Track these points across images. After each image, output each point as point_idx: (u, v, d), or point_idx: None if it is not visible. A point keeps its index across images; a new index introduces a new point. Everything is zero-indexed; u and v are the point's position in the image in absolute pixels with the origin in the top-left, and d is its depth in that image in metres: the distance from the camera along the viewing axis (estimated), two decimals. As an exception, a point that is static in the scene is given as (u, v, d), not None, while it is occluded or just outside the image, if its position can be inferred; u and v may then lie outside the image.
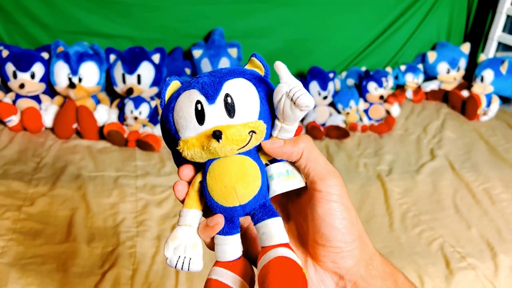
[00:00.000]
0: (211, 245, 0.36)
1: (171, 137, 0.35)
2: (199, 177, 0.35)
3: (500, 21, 1.88)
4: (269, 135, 0.35)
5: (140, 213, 1.14)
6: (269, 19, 1.73)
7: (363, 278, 0.34)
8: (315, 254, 0.35)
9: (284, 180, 0.35)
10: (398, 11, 1.88)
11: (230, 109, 0.33)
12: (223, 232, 0.35)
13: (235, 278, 0.34)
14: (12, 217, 1.06)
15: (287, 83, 0.33)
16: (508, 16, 1.87)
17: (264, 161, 0.36)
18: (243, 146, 0.33)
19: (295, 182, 0.35)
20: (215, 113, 0.33)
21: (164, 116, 0.35)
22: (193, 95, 0.33)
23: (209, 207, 0.35)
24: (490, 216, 1.19)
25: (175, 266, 0.34)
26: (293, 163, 0.35)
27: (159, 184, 1.25)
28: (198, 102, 0.33)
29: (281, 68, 0.34)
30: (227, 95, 0.33)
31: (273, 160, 0.36)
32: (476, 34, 2.03)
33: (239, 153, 0.34)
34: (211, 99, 0.33)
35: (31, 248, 0.98)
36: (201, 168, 0.35)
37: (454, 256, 1.04)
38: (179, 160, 0.36)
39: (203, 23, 1.68)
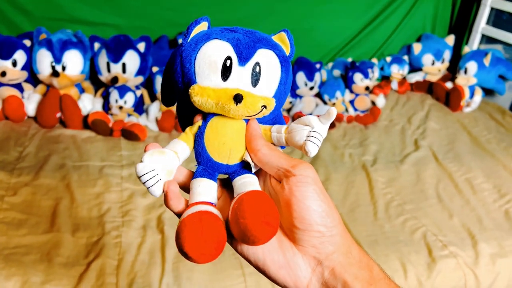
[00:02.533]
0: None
1: (185, 76, 0.35)
2: (199, 123, 0.36)
3: (484, 14, 1.90)
4: (273, 114, 0.37)
5: (126, 203, 1.13)
6: (256, 8, 1.72)
7: (342, 265, 0.34)
8: (295, 239, 0.34)
9: None
10: (384, 2, 1.88)
11: (255, 78, 0.34)
12: (200, 175, 0.35)
13: (216, 210, 0.34)
14: (-6, 207, 1.05)
15: (318, 124, 0.35)
16: (492, 9, 1.89)
17: None
18: (251, 116, 0.35)
19: None
20: (241, 76, 0.34)
21: (185, 54, 0.34)
22: (226, 48, 0.34)
23: (196, 153, 0.36)
24: (472, 206, 1.22)
25: (142, 176, 0.33)
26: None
27: (144, 174, 1.24)
28: (229, 58, 0.33)
29: (332, 115, 0.35)
30: (257, 63, 0.34)
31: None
32: (461, 26, 2.05)
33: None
34: (243, 61, 0.34)
35: (14, 239, 0.97)
36: (199, 112, 0.36)
37: (436, 244, 1.06)
38: (179, 100, 0.38)
39: (189, 11, 1.67)
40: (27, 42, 1.44)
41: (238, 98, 0.33)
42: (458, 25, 2.07)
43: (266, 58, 0.35)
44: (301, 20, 1.80)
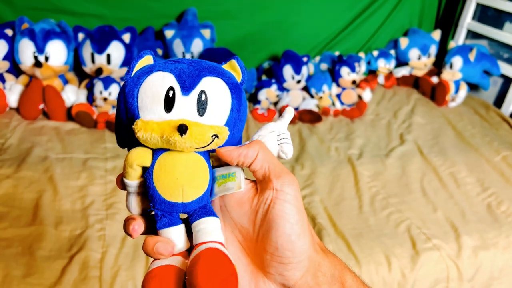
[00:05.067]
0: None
1: (129, 112, 0.33)
2: (140, 157, 0.33)
3: (469, 9, 1.91)
4: (230, 143, 0.35)
5: (110, 195, 1.12)
6: (243, 1, 1.71)
7: (311, 287, 0.33)
8: (262, 264, 0.34)
9: (224, 182, 0.35)
10: (371, -4, 1.89)
11: (201, 107, 0.32)
12: (164, 224, 0.34)
13: (179, 259, 0.33)
14: (-26, 199, 1.03)
15: (280, 127, 0.36)
16: (477, 4, 1.90)
17: (212, 164, 0.35)
18: (202, 147, 0.32)
19: (234, 184, 0.34)
20: (185, 106, 0.32)
21: (127, 89, 0.33)
22: (168, 79, 0.32)
23: (148, 195, 0.34)
24: (455, 199, 1.23)
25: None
26: (242, 168, 0.35)
27: (129, 167, 1.22)
28: (171, 88, 0.32)
29: (289, 115, 0.36)
30: (202, 92, 0.32)
31: (221, 165, 0.36)
32: (447, 22, 2.07)
33: (194, 151, 0.33)
34: (186, 90, 0.32)
35: (-5, 232, 0.95)
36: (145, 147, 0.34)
37: (420, 237, 1.08)
38: (127, 138, 0.35)
39: (175, 2, 1.65)
40: (9, 32, 1.40)
41: (182, 129, 0.30)
42: (444, 20, 2.08)
43: (212, 86, 0.33)
44: (288, 14, 1.79)
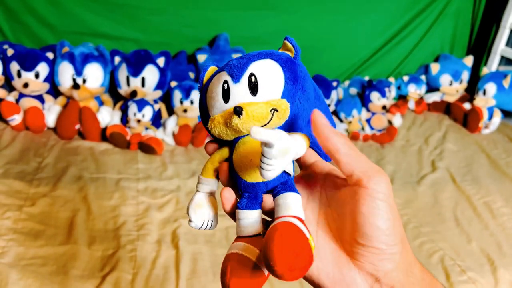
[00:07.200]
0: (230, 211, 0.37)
1: (205, 116, 0.37)
2: (219, 153, 0.37)
3: (503, 35, 1.89)
4: (306, 116, 0.36)
5: (141, 216, 1.13)
6: (274, 26, 1.74)
7: (402, 284, 0.32)
8: (352, 252, 0.33)
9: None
10: (402, 22, 1.89)
11: (253, 88, 0.34)
12: (244, 206, 0.35)
13: (255, 251, 0.33)
14: (13, 217, 1.06)
15: (264, 149, 0.30)
16: (511, 31, 1.88)
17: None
18: (265, 124, 0.33)
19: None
20: (238, 92, 0.34)
21: (200, 98, 0.37)
22: (222, 76, 0.35)
23: (233, 181, 0.36)
24: (491, 230, 1.20)
25: (200, 228, 0.37)
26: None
27: (160, 188, 1.25)
28: (225, 82, 0.34)
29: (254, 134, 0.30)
30: (251, 75, 0.34)
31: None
32: (479, 48, 2.04)
33: None
34: (236, 78, 0.34)
35: (31, 249, 0.98)
36: (229, 146, 0.37)
37: (455, 269, 1.04)
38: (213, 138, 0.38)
39: (208, 28, 1.69)
40: (50, 55, 1.47)
41: (236, 111, 0.32)
42: (476, 46, 2.06)
43: (261, 67, 0.34)
44: (318, 38, 1.81)
